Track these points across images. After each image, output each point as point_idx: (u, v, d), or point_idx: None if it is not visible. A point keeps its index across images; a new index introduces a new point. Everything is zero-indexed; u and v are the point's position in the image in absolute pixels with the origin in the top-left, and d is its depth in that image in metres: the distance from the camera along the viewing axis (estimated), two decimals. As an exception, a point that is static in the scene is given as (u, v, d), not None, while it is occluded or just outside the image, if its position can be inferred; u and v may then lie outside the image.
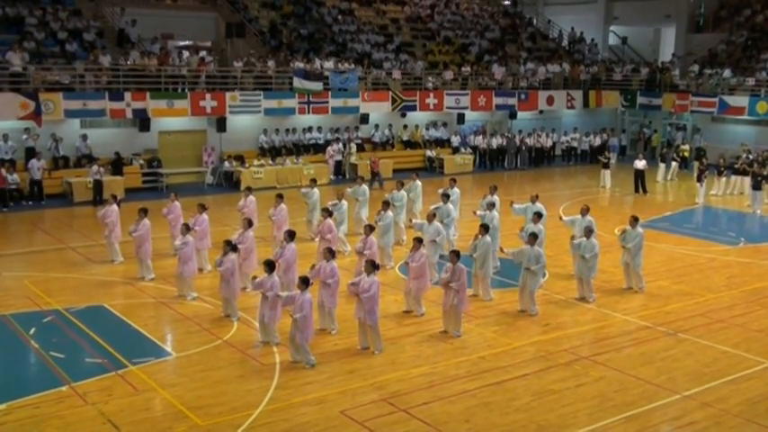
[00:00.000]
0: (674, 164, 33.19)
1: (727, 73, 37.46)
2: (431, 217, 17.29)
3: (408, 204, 21.74)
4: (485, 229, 16.20)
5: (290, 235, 15.41)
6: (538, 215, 17.26)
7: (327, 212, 17.92)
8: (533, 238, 15.44)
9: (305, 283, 12.49)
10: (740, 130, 36.11)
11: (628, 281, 17.27)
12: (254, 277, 13.63)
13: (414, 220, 19.09)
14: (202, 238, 17.65)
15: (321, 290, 14.02)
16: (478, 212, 18.50)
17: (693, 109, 36.98)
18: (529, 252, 15.25)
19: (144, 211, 17.48)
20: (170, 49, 31.49)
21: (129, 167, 28.12)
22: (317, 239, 18.05)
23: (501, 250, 17.09)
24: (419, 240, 15.21)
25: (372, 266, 13.28)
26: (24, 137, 26.46)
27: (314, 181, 22.05)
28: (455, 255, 14.15)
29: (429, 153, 34.65)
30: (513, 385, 12.15)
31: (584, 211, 17.80)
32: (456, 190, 20.97)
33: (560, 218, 18.82)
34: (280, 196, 19.50)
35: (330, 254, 14.09)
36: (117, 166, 27.45)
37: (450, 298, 14.03)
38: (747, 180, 28.49)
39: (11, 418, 10.80)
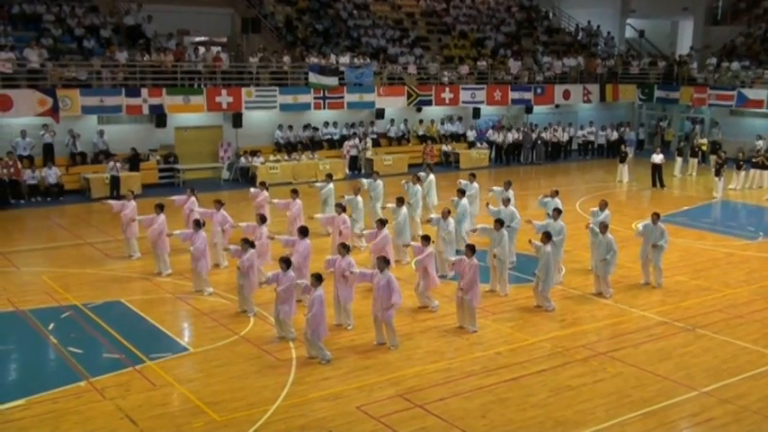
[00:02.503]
0: (691, 159, 32.85)
1: (734, 65, 37.10)
2: (446, 213, 17.24)
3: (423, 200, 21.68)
4: (500, 223, 16.15)
5: (303, 231, 15.39)
6: (558, 211, 17.14)
7: (341, 208, 17.90)
8: (547, 237, 15.33)
9: (318, 279, 12.48)
10: (759, 124, 35.72)
11: (645, 276, 17.16)
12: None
13: (432, 215, 18.97)
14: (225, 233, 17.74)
15: (337, 285, 14.02)
16: (491, 208, 18.47)
17: (711, 102, 36.66)
18: (543, 250, 15.16)
19: (160, 207, 17.55)
20: (186, 45, 31.58)
21: (146, 163, 28.24)
22: (331, 232, 18.04)
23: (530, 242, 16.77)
24: (426, 238, 15.16)
25: (385, 263, 13.26)
26: (42, 133, 26.62)
27: (329, 176, 22.06)
28: (470, 249, 14.11)
29: (445, 148, 34.56)
30: (529, 381, 12.11)
31: (603, 206, 17.67)
32: (475, 185, 20.95)
33: (589, 225, 18.20)
34: (295, 192, 19.53)
35: (345, 249, 14.07)
36: (133, 161, 27.57)
37: (458, 292, 14.03)
38: (766, 174, 28.21)
39: (30, 413, 10.88)
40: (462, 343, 13.68)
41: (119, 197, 25.02)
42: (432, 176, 22.54)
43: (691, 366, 12.80)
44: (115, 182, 26.05)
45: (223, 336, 13.85)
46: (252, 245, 14.87)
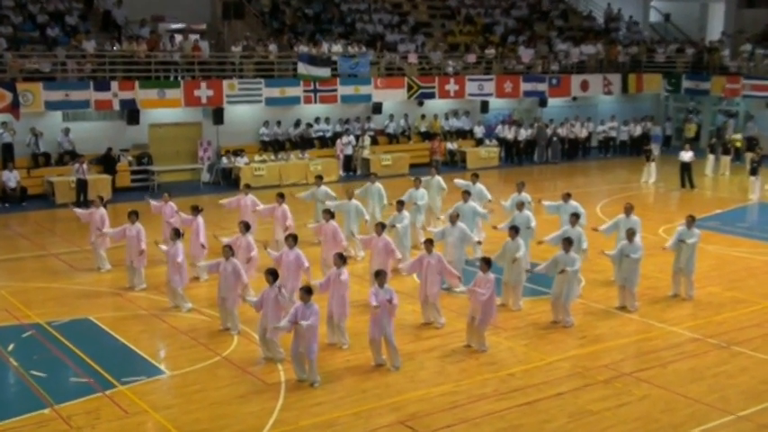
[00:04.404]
0: (723, 156, 32.88)
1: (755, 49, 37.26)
2: (454, 218, 17.21)
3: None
4: (515, 231, 16.14)
5: (294, 239, 15.36)
6: (575, 216, 17.12)
7: (329, 214, 17.86)
8: (568, 243, 15.33)
9: (309, 293, 12.44)
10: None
11: (675, 287, 17.15)
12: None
13: (431, 228, 18.77)
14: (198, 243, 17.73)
15: (330, 301, 13.99)
16: (504, 203, 18.55)
17: (746, 93, 36.74)
18: (564, 259, 15.16)
19: (135, 215, 17.53)
20: (161, 33, 31.60)
21: (117, 164, 28.17)
22: (322, 242, 18.03)
23: (528, 271, 16.65)
24: (430, 242, 15.17)
25: (384, 276, 13.23)
26: (0, 131, 26.60)
27: (320, 178, 21.99)
28: (486, 263, 14.06)
29: (450, 145, 34.58)
30: (546, 405, 12.09)
31: (628, 210, 17.63)
32: (479, 186, 20.91)
33: (595, 229, 18.23)
34: (281, 196, 19.49)
35: (341, 260, 14.02)
36: (108, 163, 27.53)
37: (475, 310, 13.98)
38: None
39: (-12, 445, 10.87)
40: (471, 363, 13.66)
41: (86, 202, 25.02)
42: (438, 178, 22.40)
43: (726, 388, 12.79)
44: (82, 186, 25.97)
45: (203, 357, 13.82)
46: (234, 252, 14.89)
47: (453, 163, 34.17)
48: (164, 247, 16.43)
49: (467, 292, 14.37)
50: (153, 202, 19.73)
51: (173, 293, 16.18)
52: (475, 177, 21.41)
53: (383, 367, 13.33)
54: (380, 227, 16.45)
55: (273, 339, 13.38)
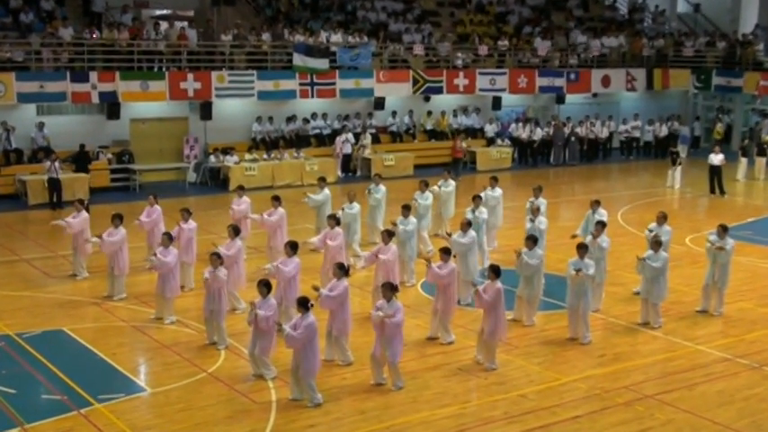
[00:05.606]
0: (757, 159, 32.92)
1: None
2: (465, 226, 17.24)
3: (435, 210, 21.65)
4: (532, 241, 16.14)
5: (293, 247, 15.36)
6: (602, 225, 17.06)
7: (335, 220, 17.88)
8: (583, 249, 15.34)
9: (304, 305, 12.43)
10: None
11: (704, 302, 17.13)
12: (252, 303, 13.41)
13: (454, 237, 18.70)
14: (188, 249, 17.76)
15: (329, 314, 13.98)
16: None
17: (783, 91, 36.77)
18: (577, 264, 15.18)
19: (119, 218, 17.58)
20: (144, 20, 31.67)
21: (96, 163, 28.20)
22: (321, 250, 18.07)
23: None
24: (446, 251, 15.21)
25: (391, 289, 13.25)
26: (-31, 126, 26.71)
27: (323, 180, 21.87)
28: (494, 271, 14.09)
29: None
30: (561, 430, 12.09)
31: (661, 220, 17.63)
32: (498, 190, 21.10)
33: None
34: (276, 199, 19.51)
35: (341, 271, 14.00)
36: (82, 161, 27.54)
37: (484, 320, 14.02)
38: None
39: (-48, 467, 10.88)
40: (479, 383, 13.67)
41: (59, 204, 25.07)
42: (452, 183, 22.39)
43: (757, 412, 12.79)
44: (55, 185, 25.90)
45: (188, 373, 13.82)
46: (222, 260, 14.92)
47: (462, 164, 34.14)
48: (154, 259, 16.24)
49: (473, 296, 14.45)
50: (142, 217, 19.37)
51: (163, 303, 16.13)
52: (494, 181, 21.50)
53: (383, 387, 13.34)
54: (388, 235, 16.45)
55: (263, 358, 13.38)
